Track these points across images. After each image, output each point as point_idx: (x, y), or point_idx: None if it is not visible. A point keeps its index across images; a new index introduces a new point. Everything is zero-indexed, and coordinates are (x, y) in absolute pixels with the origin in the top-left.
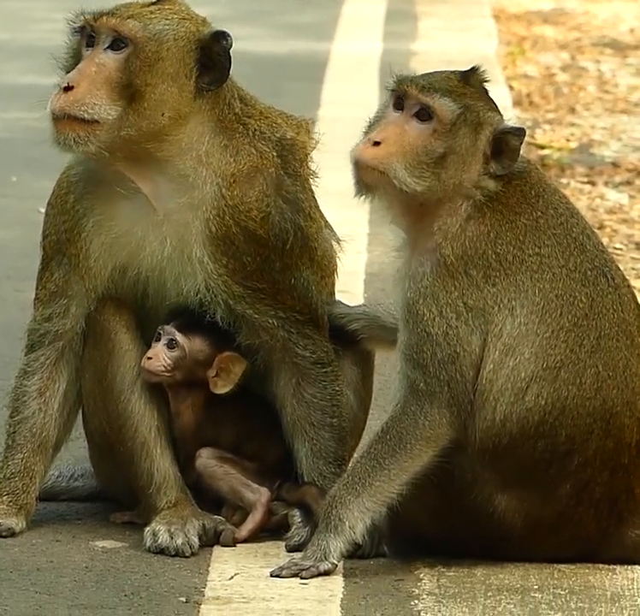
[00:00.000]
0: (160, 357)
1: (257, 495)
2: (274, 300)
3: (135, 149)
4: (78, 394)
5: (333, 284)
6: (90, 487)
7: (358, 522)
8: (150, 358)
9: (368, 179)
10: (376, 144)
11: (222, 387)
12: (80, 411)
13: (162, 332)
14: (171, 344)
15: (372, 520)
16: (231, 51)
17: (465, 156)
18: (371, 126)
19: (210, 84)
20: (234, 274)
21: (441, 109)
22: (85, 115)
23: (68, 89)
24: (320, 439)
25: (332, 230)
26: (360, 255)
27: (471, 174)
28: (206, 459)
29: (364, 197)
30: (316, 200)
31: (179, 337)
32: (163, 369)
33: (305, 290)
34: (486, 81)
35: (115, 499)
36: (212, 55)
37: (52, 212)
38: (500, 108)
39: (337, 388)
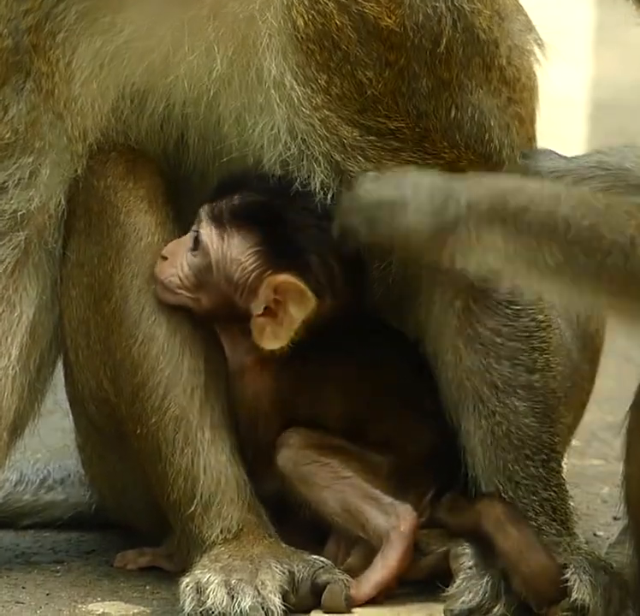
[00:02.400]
0: (177, 258)
1: (393, 519)
2: (417, 152)
3: None
4: (55, 331)
5: (532, 118)
6: (77, 502)
7: None
8: (165, 259)
9: None
10: None
11: (270, 339)
12: (62, 363)
13: (199, 217)
14: (196, 242)
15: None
16: None
17: None
18: None
19: None
20: (343, 105)
21: None
22: None
23: None
24: (509, 413)
25: (525, 21)
26: (581, 66)
27: None
28: (297, 450)
29: None
30: None
31: (205, 232)
32: (179, 282)
33: (479, 129)
34: None
35: (122, 525)
36: None
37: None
38: None
39: (540, 319)
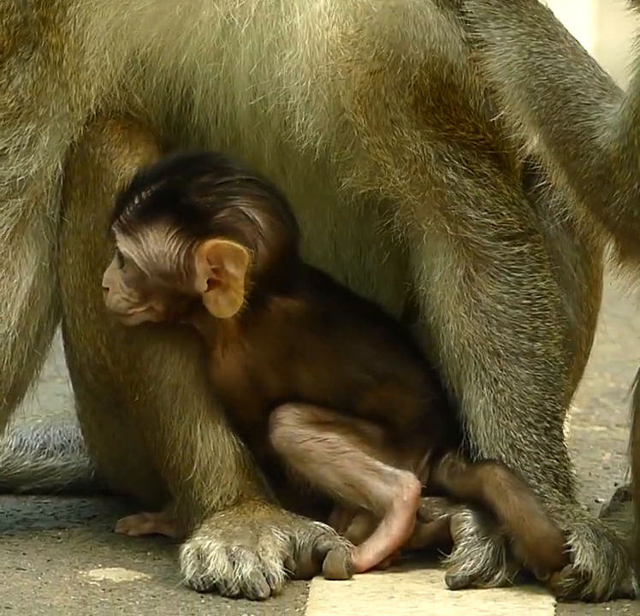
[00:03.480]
0: (115, 284)
1: (396, 488)
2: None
3: None
4: (54, 298)
5: None
6: (77, 468)
7: None
8: (107, 290)
9: None
10: None
11: (226, 307)
12: (60, 330)
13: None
14: (119, 260)
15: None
16: None
17: None
18: None
19: None
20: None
21: None
22: None
23: None
24: (512, 381)
25: None
26: (583, 33)
27: None
28: (291, 428)
29: None
30: None
31: (122, 244)
32: (127, 303)
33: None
34: None
35: (123, 492)
36: None
37: None
38: None
39: (542, 286)
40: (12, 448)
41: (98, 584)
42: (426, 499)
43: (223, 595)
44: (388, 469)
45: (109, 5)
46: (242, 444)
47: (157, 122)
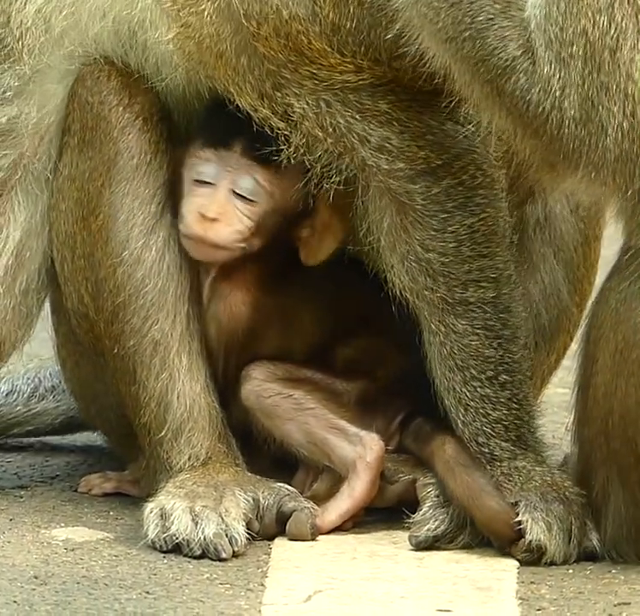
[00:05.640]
0: (233, 216)
1: (360, 449)
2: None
3: None
4: (45, 256)
5: None
6: (68, 408)
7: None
8: (214, 220)
9: None
10: None
11: (316, 255)
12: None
13: (213, 165)
14: (249, 191)
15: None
16: None
17: None
18: None
19: None
20: None
21: None
22: None
23: None
24: (450, 332)
25: None
26: None
27: None
28: (260, 383)
29: None
30: None
31: (262, 175)
32: (240, 237)
33: None
34: None
35: (92, 426)
36: None
37: None
38: None
39: (473, 222)
40: (4, 394)
41: (61, 543)
42: (393, 456)
43: (186, 555)
44: (353, 429)
45: None
46: (217, 406)
47: (152, 75)
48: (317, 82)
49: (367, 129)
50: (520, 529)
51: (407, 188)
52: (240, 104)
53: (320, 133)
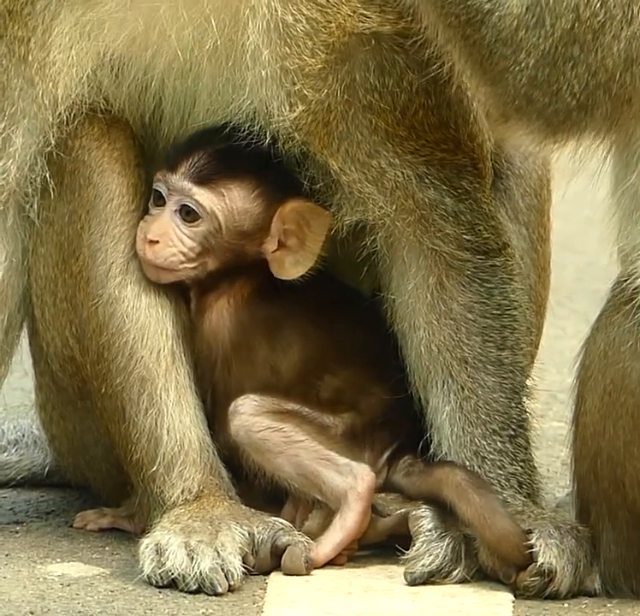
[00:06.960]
0: (172, 237)
1: (350, 479)
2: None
3: None
4: (25, 294)
5: None
6: (30, 463)
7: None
8: (154, 242)
9: None
10: None
11: (291, 268)
12: (25, 324)
13: (163, 187)
14: (189, 212)
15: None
16: None
17: None
18: None
19: None
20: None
21: None
22: None
23: None
24: (478, 388)
25: None
26: None
27: None
28: (249, 417)
29: None
30: None
31: (201, 196)
32: (182, 258)
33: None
34: None
35: (81, 483)
36: None
37: None
38: None
39: (513, 298)
40: None
41: (56, 579)
42: (382, 495)
43: (181, 591)
44: (343, 460)
45: (77, 2)
46: (207, 438)
47: (133, 123)
48: (417, 157)
49: (447, 203)
50: (530, 553)
51: (463, 256)
52: (331, 169)
53: (405, 202)
